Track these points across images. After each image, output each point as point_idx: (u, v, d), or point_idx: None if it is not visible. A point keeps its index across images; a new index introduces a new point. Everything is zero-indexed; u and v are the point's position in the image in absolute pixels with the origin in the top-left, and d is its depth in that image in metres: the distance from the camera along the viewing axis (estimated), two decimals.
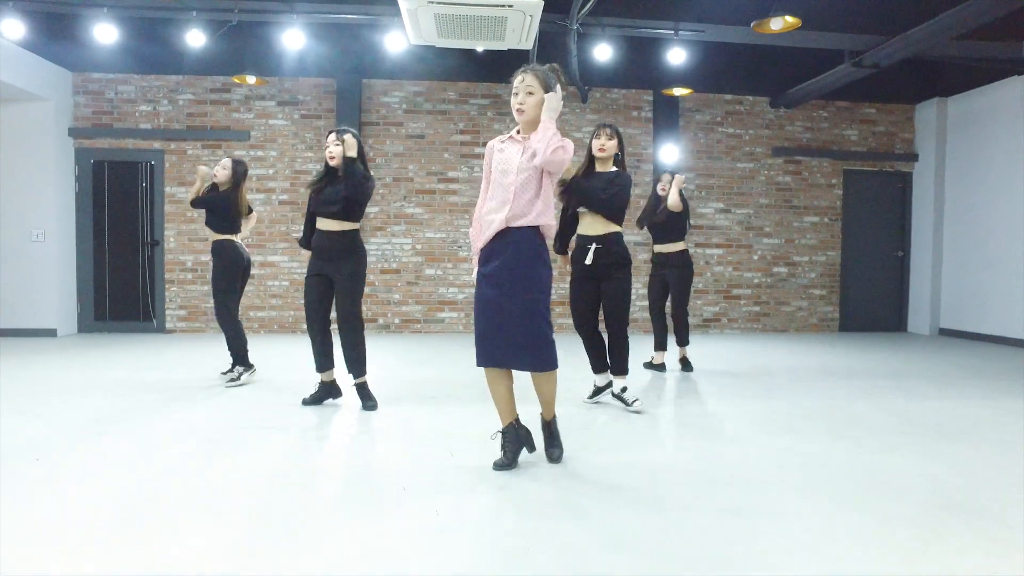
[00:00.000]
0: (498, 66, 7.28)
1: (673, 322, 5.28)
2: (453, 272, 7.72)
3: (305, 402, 3.97)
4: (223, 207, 4.56)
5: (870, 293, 8.36)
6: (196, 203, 4.64)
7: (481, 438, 3.15)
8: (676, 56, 6.10)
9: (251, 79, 6.54)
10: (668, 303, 5.36)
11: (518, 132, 2.71)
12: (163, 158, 7.38)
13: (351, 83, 7.38)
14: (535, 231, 2.66)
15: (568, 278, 4.02)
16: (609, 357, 3.99)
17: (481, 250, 2.73)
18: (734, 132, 8.06)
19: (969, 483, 2.66)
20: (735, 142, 8.06)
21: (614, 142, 3.81)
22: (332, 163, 3.85)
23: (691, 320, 7.34)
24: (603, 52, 5.99)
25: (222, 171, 4.61)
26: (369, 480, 2.64)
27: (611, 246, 3.80)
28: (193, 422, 3.50)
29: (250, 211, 4.83)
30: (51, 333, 7.03)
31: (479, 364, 2.70)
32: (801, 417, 3.79)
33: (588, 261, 3.80)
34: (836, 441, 3.28)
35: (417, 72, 7.38)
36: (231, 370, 4.72)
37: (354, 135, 3.87)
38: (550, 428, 2.90)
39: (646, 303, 6.30)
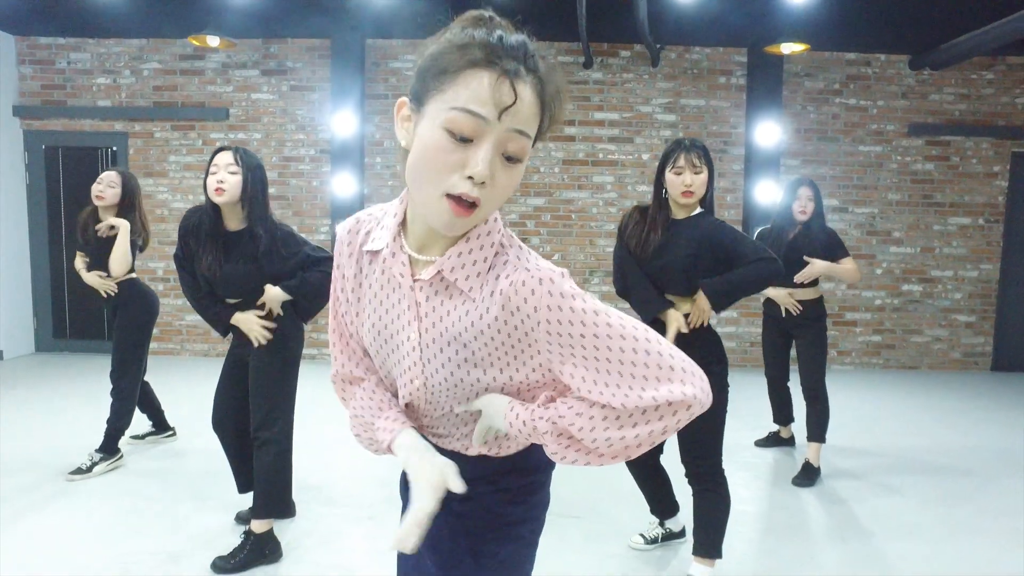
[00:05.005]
0: (538, 19, 5.45)
1: (805, 399, 3.48)
2: None
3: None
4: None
5: None
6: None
7: None
8: None
9: (214, 41, 5.01)
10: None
11: (402, 229, 0.98)
12: (127, 142, 6.00)
13: (351, 44, 5.74)
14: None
15: None
16: (695, 523, 2.33)
17: None
18: (857, 104, 5.99)
19: None
20: (858, 117, 6.00)
21: (704, 175, 2.23)
22: (218, 199, 2.37)
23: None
24: None
25: (109, 189, 3.32)
26: None
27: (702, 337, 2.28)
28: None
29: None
30: None
31: None
32: None
33: None
34: None
35: (435, 28, 5.64)
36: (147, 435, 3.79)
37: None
38: None
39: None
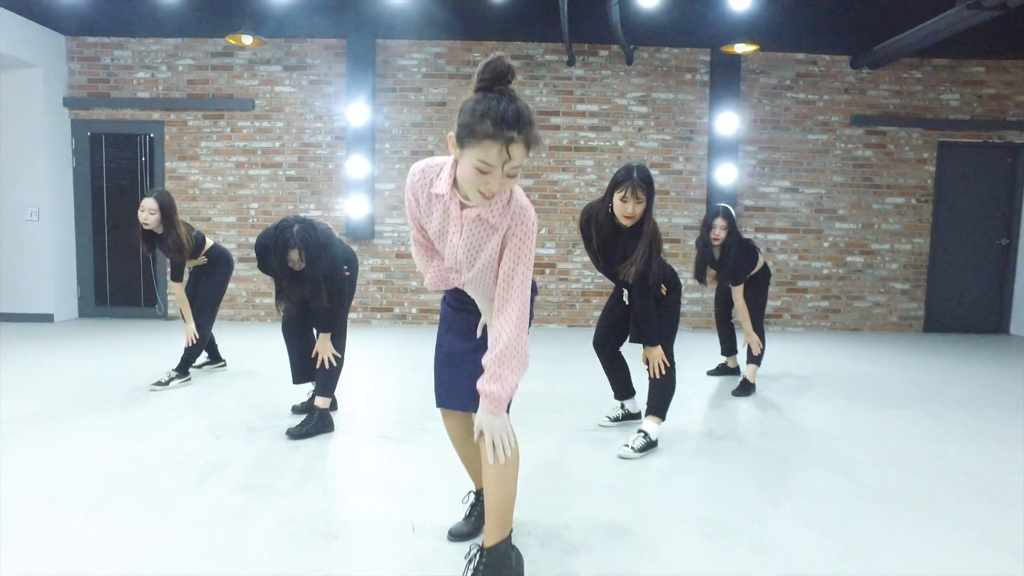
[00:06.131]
0: (528, 22, 6.32)
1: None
2: None
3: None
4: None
5: (964, 288, 7.11)
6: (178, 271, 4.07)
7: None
8: (739, 2, 5.01)
9: (247, 39, 5.80)
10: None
11: (454, 182, 1.67)
12: (163, 130, 6.77)
13: (364, 44, 6.56)
14: None
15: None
16: (649, 393, 3.19)
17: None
18: (806, 98, 6.88)
19: None
20: (807, 109, 6.89)
21: (644, 206, 2.85)
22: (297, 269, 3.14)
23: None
24: (648, 0, 4.95)
25: (151, 216, 3.89)
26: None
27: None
28: (115, 450, 2.82)
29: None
30: (48, 319, 6.60)
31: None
32: (892, 472, 2.82)
33: (627, 300, 3.19)
34: (950, 523, 2.32)
35: (437, 30, 6.49)
36: (206, 364, 4.61)
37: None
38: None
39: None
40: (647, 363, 3.10)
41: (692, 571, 2.00)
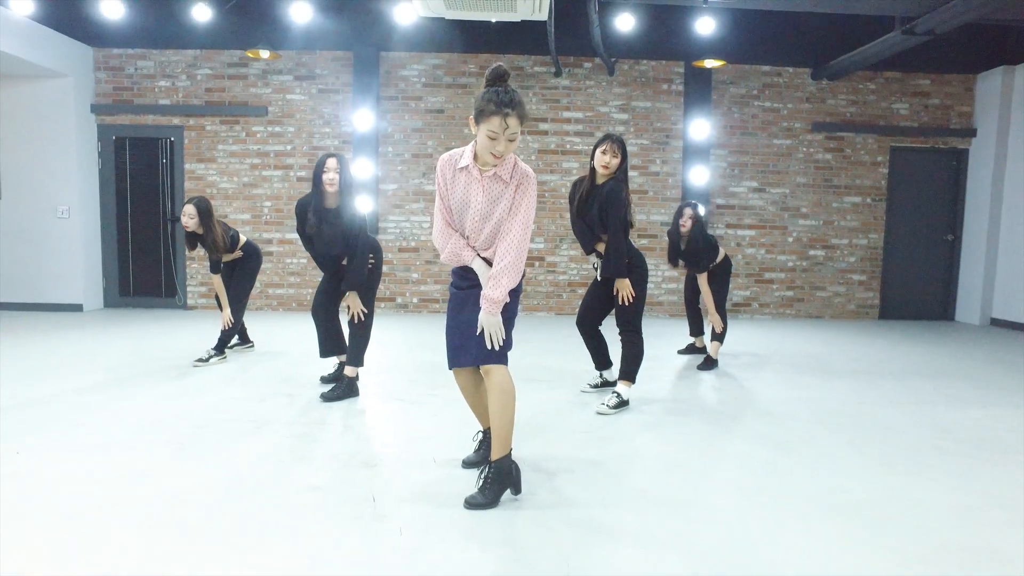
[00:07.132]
0: (519, 37, 6.96)
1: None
2: None
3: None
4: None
5: (915, 279, 7.84)
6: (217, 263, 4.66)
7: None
8: (705, 26, 5.68)
9: (264, 53, 6.38)
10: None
11: (475, 158, 2.35)
12: (183, 134, 7.33)
13: (369, 56, 7.16)
14: None
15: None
16: (621, 360, 3.84)
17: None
18: (771, 106, 7.56)
19: (1012, 518, 2.37)
20: (772, 117, 7.57)
21: (619, 160, 3.59)
22: (329, 190, 3.71)
23: None
24: (625, 22, 5.61)
25: (191, 220, 4.48)
26: (338, 490, 2.51)
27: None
28: (176, 411, 3.44)
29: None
30: (77, 308, 7.16)
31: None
32: (822, 426, 3.50)
33: (599, 277, 3.83)
34: (858, 458, 3.00)
35: (436, 44, 7.10)
36: (240, 344, 5.21)
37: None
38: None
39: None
40: (617, 292, 3.71)
41: (650, 486, 2.66)
